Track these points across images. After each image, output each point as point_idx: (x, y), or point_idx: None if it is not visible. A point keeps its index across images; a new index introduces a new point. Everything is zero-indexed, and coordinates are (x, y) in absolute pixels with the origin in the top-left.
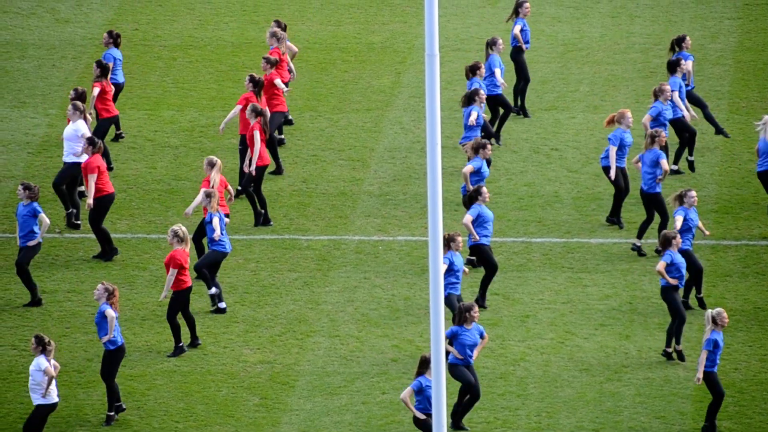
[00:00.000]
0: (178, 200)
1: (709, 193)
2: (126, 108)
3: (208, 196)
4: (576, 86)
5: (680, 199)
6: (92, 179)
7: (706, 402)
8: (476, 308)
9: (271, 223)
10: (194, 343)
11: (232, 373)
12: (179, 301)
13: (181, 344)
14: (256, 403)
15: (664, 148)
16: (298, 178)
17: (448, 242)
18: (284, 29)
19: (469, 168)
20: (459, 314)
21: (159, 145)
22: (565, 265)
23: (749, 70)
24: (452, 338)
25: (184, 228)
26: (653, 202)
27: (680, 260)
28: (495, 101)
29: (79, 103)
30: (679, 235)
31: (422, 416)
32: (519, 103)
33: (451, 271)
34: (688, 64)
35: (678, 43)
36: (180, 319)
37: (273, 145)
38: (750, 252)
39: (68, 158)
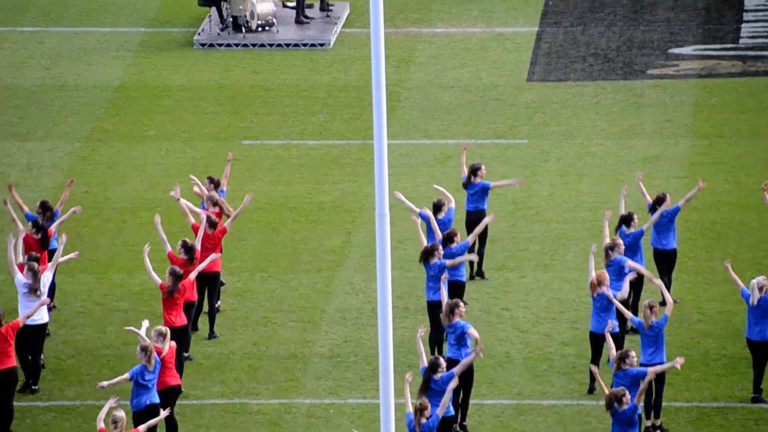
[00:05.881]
0: (129, 365)
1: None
2: (75, 272)
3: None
4: (526, 245)
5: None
6: None
7: None
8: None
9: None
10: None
11: None
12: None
13: None
14: None
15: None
16: (249, 341)
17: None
18: (217, 186)
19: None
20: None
21: (108, 309)
22: (517, 428)
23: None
24: None
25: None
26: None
27: None
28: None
29: None
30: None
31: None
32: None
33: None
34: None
35: (659, 202)
36: None
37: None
38: (701, 414)
39: None
